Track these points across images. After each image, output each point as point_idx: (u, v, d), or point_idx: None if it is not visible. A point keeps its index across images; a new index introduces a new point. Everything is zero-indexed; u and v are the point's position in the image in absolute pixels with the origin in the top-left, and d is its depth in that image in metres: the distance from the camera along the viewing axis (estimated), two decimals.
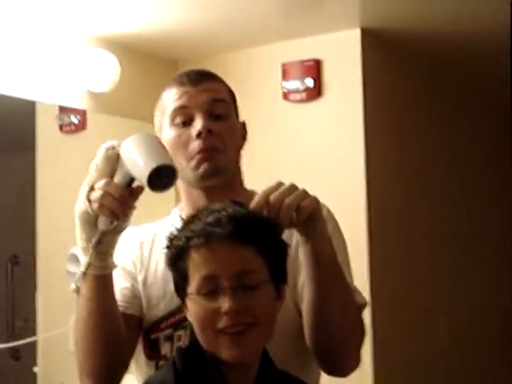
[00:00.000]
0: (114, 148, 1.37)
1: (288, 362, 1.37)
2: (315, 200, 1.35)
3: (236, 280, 1.23)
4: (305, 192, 1.33)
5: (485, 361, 4.25)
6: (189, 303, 1.28)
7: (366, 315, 1.51)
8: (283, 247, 1.32)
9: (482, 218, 4.39)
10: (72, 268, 2.79)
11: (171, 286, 1.49)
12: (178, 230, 1.31)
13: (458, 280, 4.01)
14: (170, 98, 1.56)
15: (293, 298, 1.47)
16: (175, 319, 1.52)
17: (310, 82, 3.26)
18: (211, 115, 1.53)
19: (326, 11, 3.04)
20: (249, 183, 1.63)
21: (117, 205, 1.33)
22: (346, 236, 1.58)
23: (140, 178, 1.31)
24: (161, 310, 1.54)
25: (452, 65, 3.80)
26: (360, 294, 1.53)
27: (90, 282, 1.41)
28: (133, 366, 1.58)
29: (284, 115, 3.36)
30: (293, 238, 1.46)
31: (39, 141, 3.02)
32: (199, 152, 1.51)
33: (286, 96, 3.33)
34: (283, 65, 3.34)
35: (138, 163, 1.32)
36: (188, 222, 1.30)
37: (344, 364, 1.48)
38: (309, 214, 1.32)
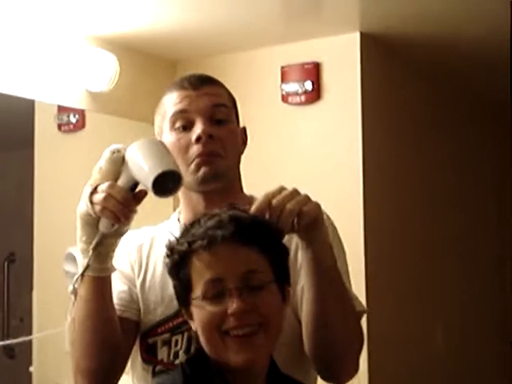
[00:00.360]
0: (119, 151, 1.37)
1: (286, 367, 1.36)
2: (317, 206, 1.34)
3: (241, 281, 1.22)
4: (307, 197, 1.33)
5: (482, 364, 4.25)
6: (194, 310, 1.26)
7: (362, 322, 1.51)
8: (285, 248, 1.32)
9: (480, 223, 4.40)
10: (69, 267, 2.80)
11: (169, 291, 1.48)
12: (177, 237, 1.30)
13: (454, 285, 4.02)
14: (171, 101, 1.56)
15: (291, 303, 1.45)
16: (173, 324, 1.51)
17: (308, 85, 3.27)
18: (211, 120, 1.53)
19: (326, 15, 3.05)
20: (246, 185, 1.63)
21: (119, 208, 1.32)
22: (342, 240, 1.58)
23: (145, 182, 1.31)
24: (158, 314, 1.53)
25: (451, 69, 3.80)
26: (358, 301, 1.52)
27: (88, 284, 1.40)
28: (129, 370, 1.58)
29: (282, 118, 3.36)
30: (292, 242, 1.45)
31: (38, 140, 3.02)
32: (198, 156, 1.51)
33: (284, 98, 3.34)
34: (283, 67, 3.34)
35: (143, 168, 1.32)
36: (188, 228, 1.29)
37: (342, 371, 1.47)
38: (311, 220, 1.32)
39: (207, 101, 1.54)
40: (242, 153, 1.62)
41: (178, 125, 1.54)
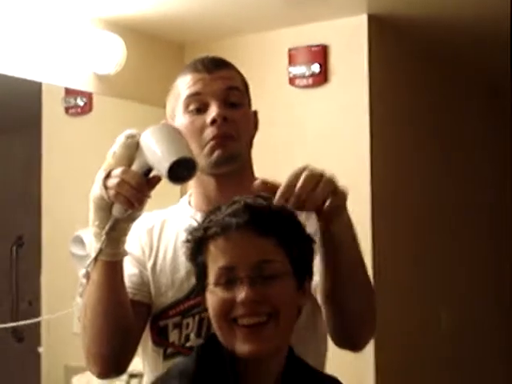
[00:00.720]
0: (134, 137, 1.37)
1: (296, 338, 1.34)
2: (343, 193, 1.30)
3: (253, 270, 1.21)
4: (332, 182, 1.28)
5: (485, 348, 4.26)
6: (207, 295, 1.26)
7: None
8: (307, 241, 1.29)
9: (481, 206, 4.39)
10: (76, 250, 2.82)
11: (179, 274, 1.50)
12: (197, 223, 1.30)
13: (455, 269, 4.02)
14: (184, 84, 1.55)
15: None
16: (184, 307, 1.52)
17: (316, 68, 3.26)
18: (226, 103, 1.53)
19: None
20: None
21: (133, 193, 1.32)
22: None
23: (160, 169, 1.31)
24: (169, 297, 1.53)
25: (459, 51, 3.78)
26: None
27: (101, 269, 1.41)
28: (139, 352, 1.59)
29: (290, 100, 3.35)
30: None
31: (45, 123, 3.02)
32: (213, 138, 1.50)
33: (292, 81, 3.33)
34: (290, 50, 3.33)
35: (158, 154, 1.32)
36: (209, 214, 1.29)
37: (360, 340, 1.48)
38: (336, 209, 1.29)
39: (221, 84, 1.53)
40: (253, 137, 1.62)
41: (191, 107, 1.53)
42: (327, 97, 3.27)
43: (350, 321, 1.41)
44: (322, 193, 1.25)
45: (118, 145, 1.37)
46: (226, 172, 1.52)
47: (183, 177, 1.32)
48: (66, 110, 3.18)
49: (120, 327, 1.44)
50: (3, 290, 3.02)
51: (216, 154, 1.51)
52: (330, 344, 1.56)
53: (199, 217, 1.36)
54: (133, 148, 1.36)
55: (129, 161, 1.36)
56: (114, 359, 1.47)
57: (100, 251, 1.39)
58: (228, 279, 1.22)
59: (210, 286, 1.24)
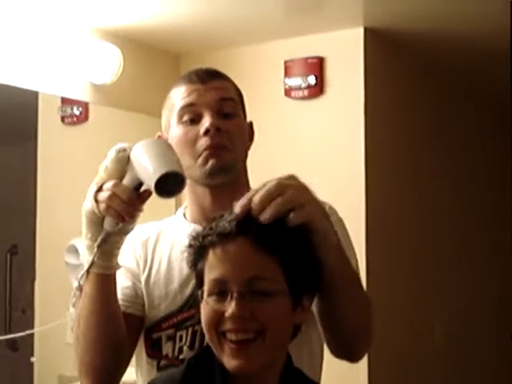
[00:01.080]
0: (124, 150, 1.37)
1: (291, 348, 1.33)
2: (315, 210, 1.25)
3: (245, 286, 1.18)
4: (303, 195, 1.23)
5: (481, 358, 4.26)
6: (201, 305, 1.25)
7: None
8: (310, 260, 1.25)
9: (479, 215, 4.40)
10: (71, 260, 2.82)
11: (173, 286, 1.50)
12: (198, 231, 1.29)
13: (452, 280, 4.02)
14: (179, 95, 1.56)
15: None
16: (177, 319, 1.52)
17: (312, 80, 3.27)
18: (219, 113, 1.53)
19: (330, 10, 3.04)
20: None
21: (123, 207, 1.33)
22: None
23: (148, 182, 1.31)
24: (162, 310, 1.53)
25: (455, 65, 3.80)
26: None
27: (93, 281, 1.41)
28: (134, 363, 1.59)
29: (285, 112, 3.36)
30: None
31: (41, 132, 3.02)
32: (206, 149, 1.50)
33: (287, 93, 3.34)
34: (286, 62, 3.34)
35: (147, 168, 1.32)
36: (211, 221, 1.26)
37: (357, 353, 1.49)
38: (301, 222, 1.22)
39: (215, 94, 1.54)
40: (248, 148, 1.62)
41: (185, 118, 1.54)
42: (323, 109, 3.28)
43: (346, 336, 1.41)
44: (281, 204, 1.20)
45: (109, 159, 1.37)
46: (220, 183, 1.52)
47: (171, 191, 1.32)
48: (63, 119, 3.18)
49: (112, 340, 1.44)
50: None
51: (210, 163, 1.51)
52: (325, 356, 1.56)
53: (193, 228, 1.36)
54: (124, 162, 1.36)
55: (120, 175, 1.36)
56: (106, 371, 1.46)
57: (92, 264, 1.39)
58: (220, 291, 1.21)
59: (205, 296, 1.23)
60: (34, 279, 2.97)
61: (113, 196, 1.33)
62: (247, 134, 1.62)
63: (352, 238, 1.59)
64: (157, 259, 1.57)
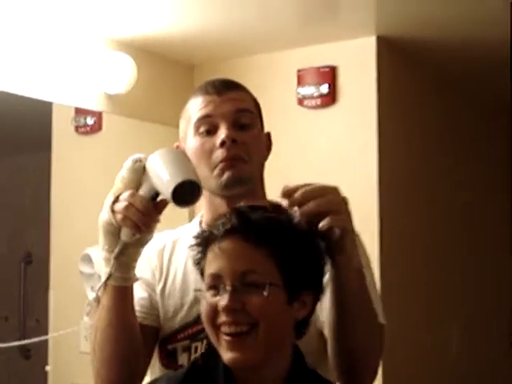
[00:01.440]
0: (140, 161, 1.37)
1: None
2: (347, 221, 1.28)
3: (238, 279, 1.21)
4: (339, 202, 1.28)
5: (493, 368, 4.23)
6: (201, 301, 1.27)
7: None
8: (305, 252, 1.26)
9: (492, 225, 4.38)
10: (85, 269, 2.83)
11: (188, 298, 1.50)
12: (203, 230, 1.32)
13: (464, 290, 4.00)
14: (195, 106, 1.55)
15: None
16: (192, 331, 1.52)
17: (324, 89, 3.27)
18: (236, 125, 1.52)
19: (343, 19, 3.05)
20: None
21: (140, 217, 1.32)
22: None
23: (164, 192, 1.32)
24: (177, 321, 1.53)
25: (468, 73, 3.79)
26: (382, 313, 1.49)
27: (111, 293, 1.40)
28: (148, 375, 1.59)
29: (298, 121, 3.36)
30: None
31: (55, 141, 3.04)
32: (222, 160, 1.50)
33: (300, 102, 3.34)
34: (299, 71, 3.35)
35: (163, 177, 1.32)
36: (215, 221, 1.29)
37: (363, 379, 1.45)
38: (336, 231, 1.25)
39: (231, 106, 1.53)
40: (266, 159, 1.62)
41: (202, 129, 1.53)
42: (336, 117, 3.28)
43: (354, 358, 1.38)
44: (322, 202, 1.25)
45: (125, 169, 1.38)
46: (236, 194, 1.51)
47: (188, 200, 1.32)
48: (76, 128, 3.20)
49: (129, 352, 1.43)
50: (11, 307, 3.03)
51: (226, 175, 1.50)
52: None
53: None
54: (140, 172, 1.36)
55: (136, 184, 1.36)
56: (123, 382, 1.46)
57: (109, 276, 1.39)
58: (215, 285, 1.23)
59: (203, 292, 1.26)
60: (48, 288, 2.98)
61: (129, 206, 1.32)
62: (264, 144, 1.61)
63: (365, 248, 1.59)
64: (172, 270, 1.57)
